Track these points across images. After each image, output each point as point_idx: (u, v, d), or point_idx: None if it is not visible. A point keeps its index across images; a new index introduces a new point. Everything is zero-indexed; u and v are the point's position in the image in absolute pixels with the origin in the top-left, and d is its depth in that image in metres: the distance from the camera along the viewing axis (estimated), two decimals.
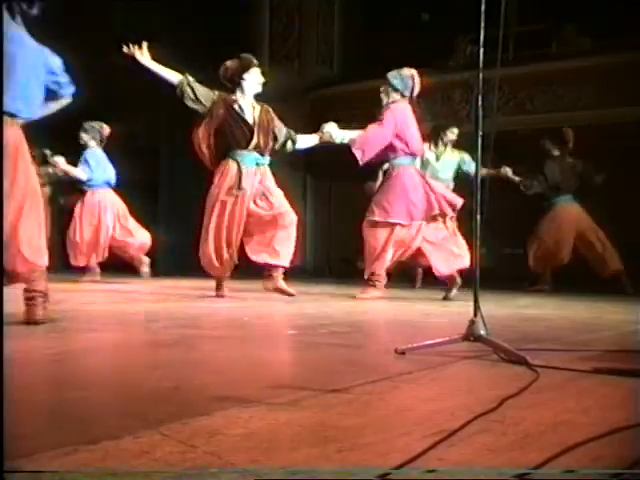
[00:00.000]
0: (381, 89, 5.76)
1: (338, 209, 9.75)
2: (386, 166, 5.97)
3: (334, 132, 5.68)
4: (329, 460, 1.31)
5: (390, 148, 5.72)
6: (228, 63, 5.51)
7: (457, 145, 7.07)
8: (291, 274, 5.91)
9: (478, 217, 2.85)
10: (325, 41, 10.59)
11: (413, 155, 5.85)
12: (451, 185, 6.90)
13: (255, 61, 5.57)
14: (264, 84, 5.55)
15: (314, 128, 5.88)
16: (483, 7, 2.56)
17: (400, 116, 5.69)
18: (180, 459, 1.30)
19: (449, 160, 7.12)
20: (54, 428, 1.56)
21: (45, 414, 1.72)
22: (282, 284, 5.54)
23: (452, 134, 7.09)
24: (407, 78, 5.71)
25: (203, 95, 5.38)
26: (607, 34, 8.22)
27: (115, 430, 1.47)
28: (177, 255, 8.99)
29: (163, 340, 3.13)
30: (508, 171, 7.07)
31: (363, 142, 5.64)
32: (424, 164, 6.69)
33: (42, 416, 1.69)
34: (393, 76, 5.72)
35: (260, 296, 5.52)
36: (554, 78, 8.65)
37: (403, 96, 5.74)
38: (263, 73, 5.60)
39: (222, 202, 5.46)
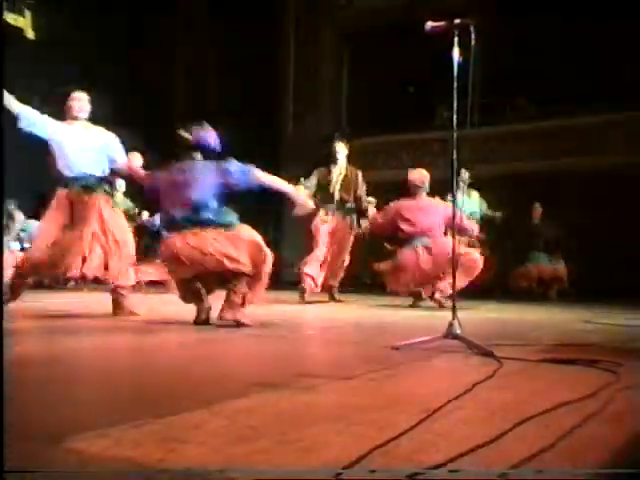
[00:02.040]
0: None
1: None
2: None
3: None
4: (342, 433, 1.31)
5: None
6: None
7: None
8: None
9: (456, 238, 2.86)
10: (337, 104, 10.94)
11: None
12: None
13: (337, 140, 6.09)
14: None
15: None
16: (455, 84, 2.66)
17: None
18: (226, 432, 1.30)
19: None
20: (131, 405, 1.58)
21: (125, 394, 1.74)
22: None
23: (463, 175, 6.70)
24: None
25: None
26: (549, 103, 8.67)
27: (174, 408, 1.48)
28: None
29: (210, 338, 3.15)
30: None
31: None
32: None
33: (123, 396, 1.72)
34: None
35: (284, 302, 5.52)
36: (508, 137, 9.17)
37: None
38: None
39: None
